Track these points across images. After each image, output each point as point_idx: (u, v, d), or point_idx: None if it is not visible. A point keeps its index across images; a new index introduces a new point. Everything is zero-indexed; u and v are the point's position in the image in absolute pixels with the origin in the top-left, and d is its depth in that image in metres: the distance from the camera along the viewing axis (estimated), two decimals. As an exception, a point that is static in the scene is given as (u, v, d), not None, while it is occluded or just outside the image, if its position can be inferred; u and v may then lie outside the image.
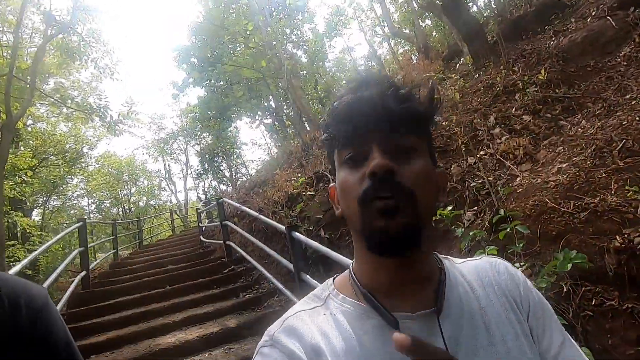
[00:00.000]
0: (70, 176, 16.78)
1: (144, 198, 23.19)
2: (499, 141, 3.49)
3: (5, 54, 6.93)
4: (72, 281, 5.12)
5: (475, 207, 2.93)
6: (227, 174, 23.14)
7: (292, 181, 5.47)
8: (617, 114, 2.81)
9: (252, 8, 12.23)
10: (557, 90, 3.97)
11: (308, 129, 9.23)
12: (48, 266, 13.09)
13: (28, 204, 13.69)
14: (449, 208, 2.38)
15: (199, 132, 21.11)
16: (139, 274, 6.54)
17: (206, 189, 23.58)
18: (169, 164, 23.68)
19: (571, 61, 4.94)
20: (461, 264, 0.61)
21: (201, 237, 9.54)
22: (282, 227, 3.62)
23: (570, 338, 0.56)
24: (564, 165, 2.52)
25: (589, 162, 2.38)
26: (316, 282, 2.95)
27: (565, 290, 1.71)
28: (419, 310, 0.52)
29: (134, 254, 10.38)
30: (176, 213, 18.41)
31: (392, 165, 0.48)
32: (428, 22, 16.27)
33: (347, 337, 0.51)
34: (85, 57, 7.60)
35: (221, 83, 15.63)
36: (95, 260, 9.09)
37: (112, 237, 9.33)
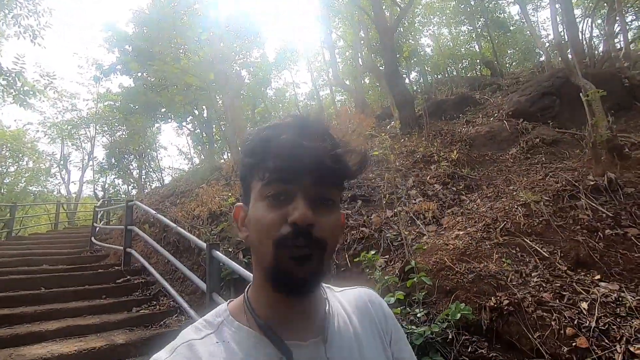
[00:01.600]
0: None
1: (23, 181, 19.71)
2: (414, 202, 4.03)
3: None
4: None
5: (387, 255, 3.31)
6: (136, 175, 21.14)
7: (218, 199, 5.37)
8: (502, 199, 3.55)
9: (208, 18, 12.14)
10: (462, 170, 4.78)
11: (240, 149, 9.22)
12: None
13: None
14: (372, 252, 2.69)
15: (114, 123, 19.19)
16: (5, 270, 5.52)
17: (107, 186, 21.11)
18: (69, 150, 20.79)
19: (475, 148, 5.99)
20: (340, 292, 0.68)
21: (92, 238, 8.46)
22: (202, 244, 3.52)
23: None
24: (461, 233, 3.06)
25: (479, 234, 2.94)
26: (229, 304, 2.92)
27: (450, 337, 2.06)
28: (309, 339, 0.56)
29: (-2, 244, 8.68)
30: (63, 206, 15.97)
31: (313, 219, 0.50)
32: (367, 80, 17.99)
33: None
34: (6, 10, 6.56)
35: (152, 80, 14.76)
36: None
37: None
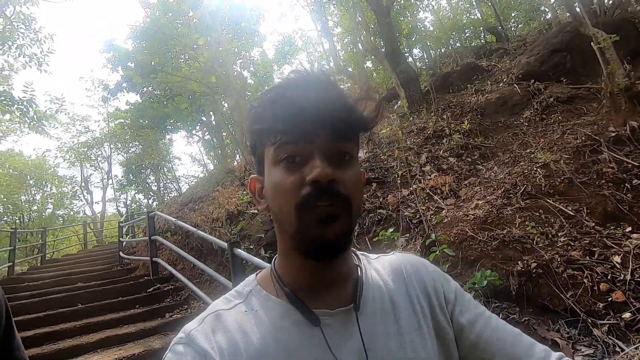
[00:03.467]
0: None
1: (50, 207, 20.46)
2: (429, 177, 3.95)
3: None
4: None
5: (407, 234, 3.27)
6: (155, 188, 21.62)
7: (234, 199, 5.42)
8: (520, 163, 3.44)
9: (203, 23, 12.17)
10: (475, 139, 4.65)
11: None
12: None
13: None
14: (390, 230, 2.66)
15: (127, 140, 19.62)
16: (43, 291, 5.76)
17: (129, 202, 21.66)
18: (89, 172, 21.43)
19: (487, 116, 5.82)
20: (376, 259, 0.64)
21: (120, 252, 8.73)
22: (224, 244, 3.57)
23: (488, 312, 0.60)
24: (480, 202, 2.98)
25: (499, 201, 2.86)
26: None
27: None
28: (338, 307, 0.54)
29: (33, 269, 9.05)
30: (90, 226, 16.52)
31: (334, 174, 0.48)
32: (369, 64, 17.73)
33: (267, 334, 0.51)
34: (10, 42, 6.77)
35: (157, 93, 14.95)
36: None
37: (9, 249, 8.09)
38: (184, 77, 8.87)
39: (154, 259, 5.85)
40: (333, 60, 16.51)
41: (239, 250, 3.34)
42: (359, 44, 15.24)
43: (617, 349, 1.66)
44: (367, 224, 3.59)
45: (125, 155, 20.33)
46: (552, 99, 5.39)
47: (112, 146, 19.82)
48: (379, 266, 0.62)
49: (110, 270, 7.56)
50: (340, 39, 18.19)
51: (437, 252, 2.19)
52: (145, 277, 6.00)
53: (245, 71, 16.95)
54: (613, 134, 3.04)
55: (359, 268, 0.59)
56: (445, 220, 2.91)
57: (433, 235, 2.36)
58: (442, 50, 16.75)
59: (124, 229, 10.69)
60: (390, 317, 0.55)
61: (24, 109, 5.86)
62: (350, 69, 17.26)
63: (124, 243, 9.34)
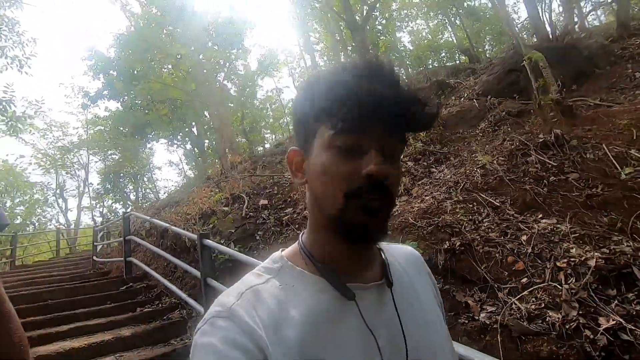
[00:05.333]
0: None
1: (20, 214, 19.88)
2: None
3: None
4: None
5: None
6: (133, 197, 21.33)
7: (208, 199, 5.65)
8: (465, 165, 3.85)
9: (187, 34, 12.50)
10: (434, 147, 5.09)
11: (229, 156, 9.53)
12: None
13: None
14: None
15: (106, 147, 19.44)
16: (11, 292, 5.74)
17: (105, 212, 21.24)
18: (63, 179, 21.01)
19: (448, 128, 6.32)
20: (387, 246, 0.68)
21: (94, 257, 8.72)
22: (193, 236, 3.79)
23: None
24: (427, 197, 3.36)
25: (441, 196, 3.24)
26: (223, 286, 3.17)
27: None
28: (372, 282, 0.56)
29: (3, 274, 8.87)
30: (62, 234, 16.15)
31: (388, 171, 0.49)
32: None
33: (306, 308, 0.51)
34: None
35: (138, 101, 15.03)
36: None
37: (-23, 251, 7.95)
38: (166, 84, 9.11)
39: (128, 258, 5.95)
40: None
41: (208, 240, 3.56)
42: (342, 59, 15.92)
43: (513, 305, 2.01)
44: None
45: (104, 163, 20.12)
46: (504, 113, 5.92)
47: (90, 152, 19.56)
48: (393, 252, 0.66)
49: (83, 274, 7.54)
50: (322, 53, 18.88)
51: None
52: (118, 278, 6.08)
53: (228, 82, 17.27)
54: (540, 140, 3.49)
55: (381, 251, 0.62)
56: (395, 213, 3.25)
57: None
58: (420, 69, 17.63)
59: (99, 235, 10.63)
60: (412, 294, 0.60)
61: (2, 109, 5.95)
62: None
63: (99, 247, 9.31)
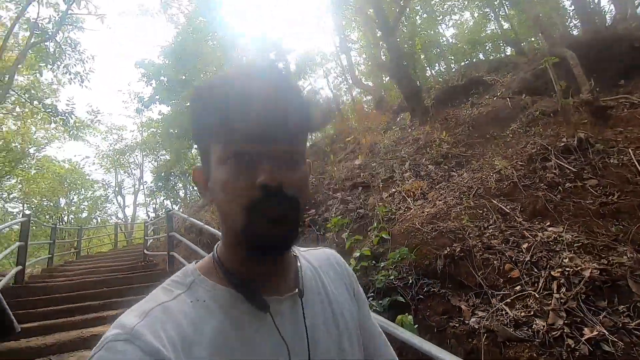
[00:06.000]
0: (9, 176, 15.89)
1: (86, 209, 22.11)
2: (407, 182, 4.40)
3: None
4: (6, 273, 5.16)
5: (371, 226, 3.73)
6: (182, 195, 22.86)
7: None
8: (483, 170, 3.82)
9: (227, 42, 13.19)
10: (457, 149, 5.05)
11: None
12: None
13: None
14: (339, 217, 3.15)
15: (158, 149, 20.99)
16: (76, 278, 6.57)
17: (157, 207, 22.99)
18: (122, 178, 23.03)
19: (477, 129, 6.18)
20: (305, 251, 0.68)
21: (145, 250, 9.58)
22: (218, 232, 4.15)
23: (370, 311, 0.73)
24: (439, 202, 3.41)
25: (453, 201, 3.27)
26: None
27: (410, 281, 2.46)
28: (285, 293, 0.56)
29: (69, 262, 10.06)
30: (120, 228, 17.78)
31: (284, 177, 0.48)
32: (387, 78, 18.22)
33: (220, 324, 0.49)
34: (59, 62, 7.93)
35: (186, 105, 16.11)
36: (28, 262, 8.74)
37: (49, 242, 9.10)
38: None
39: (171, 252, 6.54)
40: (350, 74, 17.18)
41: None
42: (382, 57, 15.82)
43: (503, 312, 2.05)
44: (347, 221, 4.07)
45: (156, 163, 21.76)
46: (538, 112, 5.69)
47: (144, 154, 21.22)
48: (309, 257, 0.67)
49: (134, 266, 8.37)
50: (359, 53, 18.87)
51: (380, 236, 2.66)
52: (163, 270, 6.71)
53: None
54: (562, 144, 3.38)
55: (296, 257, 0.62)
56: (407, 217, 3.35)
57: (375, 223, 2.83)
58: (464, 63, 16.98)
59: (149, 230, 11.65)
60: (324, 301, 0.60)
61: (65, 120, 6.83)
62: (369, 83, 17.84)
63: (149, 242, 10.23)
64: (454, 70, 16.91)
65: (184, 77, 14.31)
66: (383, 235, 2.65)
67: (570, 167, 3.14)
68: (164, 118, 18.86)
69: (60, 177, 18.98)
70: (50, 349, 3.40)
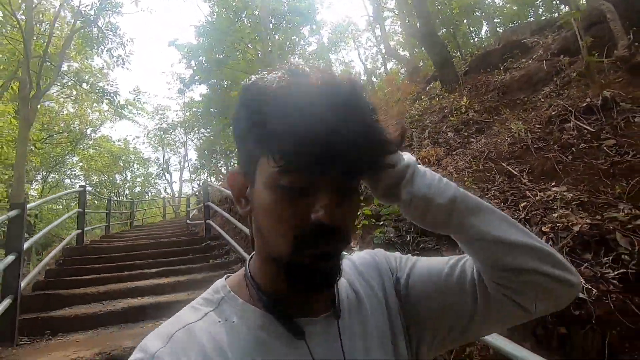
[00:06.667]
0: (70, 155, 17.64)
1: (139, 186, 24.02)
2: (424, 149, 4.40)
3: (41, 41, 8.08)
4: (68, 235, 5.96)
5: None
6: (224, 171, 24.04)
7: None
8: (501, 134, 3.73)
9: (256, 18, 13.30)
10: (477, 116, 4.91)
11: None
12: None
13: (29, 176, 14.54)
14: None
15: (200, 127, 22.03)
16: (128, 243, 7.39)
17: (201, 184, 24.46)
18: (169, 156, 24.60)
19: (508, 94, 5.90)
20: (352, 255, 0.63)
21: (187, 220, 10.39)
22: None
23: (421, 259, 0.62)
24: (449, 167, 3.42)
25: (463, 165, 3.27)
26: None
27: (408, 239, 2.58)
28: (320, 314, 0.51)
29: (124, 231, 11.19)
30: (169, 201, 19.24)
31: (338, 216, 0.44)
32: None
33: (248, 348, 0.46)
34: (102, 46, 8.60)
35: (225, 83, 16.67)
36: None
37: (106, 212, 10.16)
38: (235, 69, 10.03)
39: (207, 221, 7.09)
40: (384, 45, 16.66)
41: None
42: (418, 26, 15.16)
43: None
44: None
45: (199, 140, 22.93)
46: (574, 74, 5.32)
47: (186, 132, 22.37)
48: (346, 267, 0.60)
49: (179, 234, 9.19)
50: (394, 21, 18.17)
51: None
52: (201, 237, 7.32)
53: (301, 59, 17.90)
54: (584, 105, 3.20)
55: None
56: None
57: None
58: (512, 25, 15.77)
59: (191, 203, 12.54)
60: (358, 316, 0.54)
61: (112, 99, 7.49)
62: (406, 54, 17.23)
63: (191, 213, 11.08)
64: (500, 34, 15.78)
65: (220, 56, 14.75)
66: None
67: (588, 128, 3.00)
68: (204, 97, 19.68)
69: (115, 156, 20.71)
70: (103, 296, 3.98)
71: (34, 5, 7.67)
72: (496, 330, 0.64)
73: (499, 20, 17.37)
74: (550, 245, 2.08)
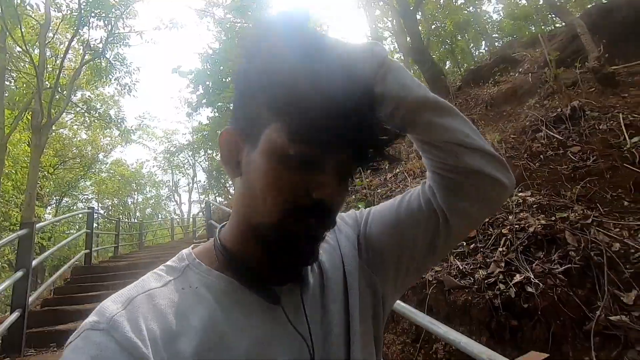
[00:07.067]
0: (83, 179, 18.24)
1: (150, 208, 24.52)
2: (410, 162, 4.59)
3: (53, 73, 8.68)
4: (77, 255, 6.22)
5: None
6: (232, 191, 24.44)
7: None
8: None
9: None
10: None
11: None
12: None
13: (43, 201, 15.09)
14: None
15: (208, 150, 22.59)
16: (137, 262, 7.62)
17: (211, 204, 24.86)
18: (178, 178, 25.16)
19: (495, 107, 6.10)
20: None
21: (194, 240, 10.66)
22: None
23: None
24: (430, 178, 3.60)
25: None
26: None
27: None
28: (285, 283, 0.49)
29: (133, 252, 11.47)
30: (178, 222, 19.58)
31: (337, 202, 0.45)
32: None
33: (212, 314, 0.44)
34: (110, 76, 9.14)
35: (230, 105, 17.20)
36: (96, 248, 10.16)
37: (115, 233, 10.47)
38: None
39: (210, 238, 7.32)
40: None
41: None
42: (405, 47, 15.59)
43: (455, 265, 2.26)
44: (348, 202, 4.39)
45: (207, 162, 23.47)
46: (556, 86, 5.52)
47: (194, 154, 22.94)
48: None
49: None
50: (393, 41, 18.66)
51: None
52: (205, 254, 7.52)
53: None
54: (554, 114, 3.37)
55: None
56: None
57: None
58: (510, 39, 16.07)
59: (197, 223, 12.83)
60: (320, 291, 0.52)
61: (118, 125, 7.93)
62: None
63: (197, 233, 11.37)
64: (497, 49, 16.09)
65: (226, 80, 15.34)
66: (359, 205, 2.94)
67: (557, 136, 3.16)
68: (211, 119, 20.30)
69: (126, 179, 21.30)
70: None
71: (47, 41, 8.28)
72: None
73: (497, 35, 17.77)
74: (508, 245, 2.23)
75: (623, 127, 2.83)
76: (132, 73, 9.58)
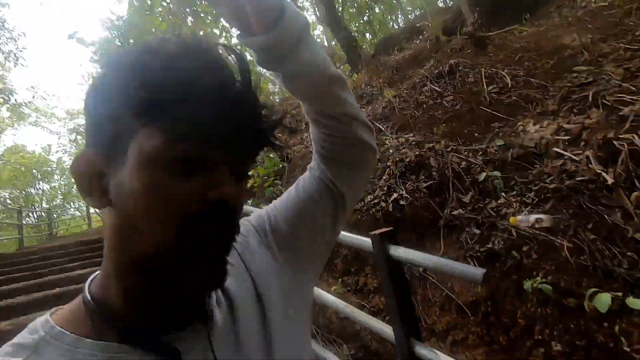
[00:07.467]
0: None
1: (60, 196, 22.00)
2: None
3: None
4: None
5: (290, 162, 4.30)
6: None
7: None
8: (378, 102, 4.39)
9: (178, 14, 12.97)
10: (369, 89, 5.60)
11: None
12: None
13: None
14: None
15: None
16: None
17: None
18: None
19: (400, 71, 6.71)
20: None
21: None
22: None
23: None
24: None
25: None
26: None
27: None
28: (186, 324, 0.42)
29: (41, 244, 10.43)
30: (96, 210, 17.98)
31: (240, 201, 0.40)
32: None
33: None
34: None
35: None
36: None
37: (17, 224, 9.39)
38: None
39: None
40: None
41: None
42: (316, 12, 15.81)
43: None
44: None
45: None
46: (448, 50, 6.23)
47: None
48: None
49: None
50: (310, 14, 18.71)
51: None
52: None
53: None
54: (436, 71, 3.96)
55: None
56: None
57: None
58: (422, 12, 17.07)
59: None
60: (230, 320, 0.45)
61: (6, 98, 6.96)
62: (333, 43, 17.87)
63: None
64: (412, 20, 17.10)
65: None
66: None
67: (437, 89, 3.74)
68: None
69: (28, 167, 18.71)
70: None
71: None
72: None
73: (410, 8, 18.81)
74: (390, 174, 2.70)
75: (483, 78, 3.47)
76: (16, 39, 8.32)
